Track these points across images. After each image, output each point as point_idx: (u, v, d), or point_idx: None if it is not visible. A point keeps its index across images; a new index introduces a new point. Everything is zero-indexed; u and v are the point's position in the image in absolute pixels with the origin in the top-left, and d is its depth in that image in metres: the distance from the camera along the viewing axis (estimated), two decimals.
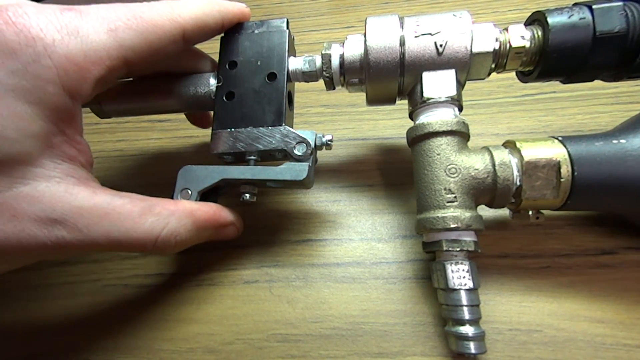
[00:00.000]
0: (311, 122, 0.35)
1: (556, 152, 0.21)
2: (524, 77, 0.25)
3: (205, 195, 0.24)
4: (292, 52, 0.27)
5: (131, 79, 0.27)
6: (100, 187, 0.20)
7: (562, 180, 0.21)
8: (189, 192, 0.23)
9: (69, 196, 0.18)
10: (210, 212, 0.23)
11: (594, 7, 0.21)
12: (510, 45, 0.22)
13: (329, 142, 0.24)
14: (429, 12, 0.24)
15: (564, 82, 0.24)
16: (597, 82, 0.24)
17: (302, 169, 0.23)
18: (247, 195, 0.24)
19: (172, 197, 0.23)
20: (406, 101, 0.26)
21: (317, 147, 0.24)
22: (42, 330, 0.26)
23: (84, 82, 0.18)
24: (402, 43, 0.23)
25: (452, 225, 0.21)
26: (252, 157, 0.24)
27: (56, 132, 0.18)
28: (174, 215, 0.21)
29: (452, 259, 0.21)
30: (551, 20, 0.22)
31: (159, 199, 0.21)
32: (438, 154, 0.22)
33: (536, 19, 0.23)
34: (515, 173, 0.21)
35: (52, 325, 0.26)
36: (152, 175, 0.33)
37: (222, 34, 0.27)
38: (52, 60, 0.17)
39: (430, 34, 0.22)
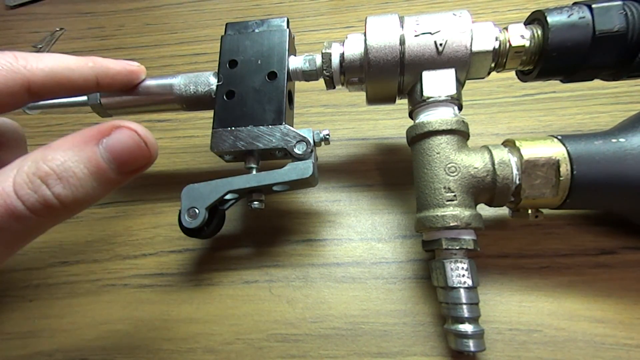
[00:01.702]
0: (311, 122, 0.35)
1: (555, 151, 0.21)
2: (523, 76, 0.25)
3: (213, 210, 0.24)
4: (293, 51, 0.27)
5: None
6: None
7: (561, 179, 0.21)
8: (197, 210, 0.23)
9: None
10: (74, 133, 0.16)
11: (593, 6, 0.21)
12: (510, 45, 0.22)
13: (327, 137, 0.24)
14: (429, 11, 0.24)
15: (563, 82, 0.24)
16: (597, 82, 0.24)
17: (306, 167, 0.23)
18: (256, 203, 0.24)
19: (179, 219, 0.23)
20: (406, 101, 0.26)
21: (316, 144, 0.24)
22: (42, 330, 0.26)
23: None
24: (402, 42, 0.23)
25: (452, 224, 0.21)
26: (253, 166, 0.24)
27: None
28: (25, 159, 0.15)
29: (451, 258, 0.21)
30: (551, 19, 0.22)
31: None
32: (438, 153, 0.22)
33: (536, 18, 0.23)
34: (515, 172, 0.21)
35: (52, 325, 0.26)
36: (152, 175, 0.33)
37: (223, 34, 0.26)
38: None
39: (430, 33, 0.22)
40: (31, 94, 0.20)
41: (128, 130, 0.16)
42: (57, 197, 0.14)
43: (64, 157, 0.15)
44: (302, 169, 0.23)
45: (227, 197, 0.24)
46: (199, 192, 0.23)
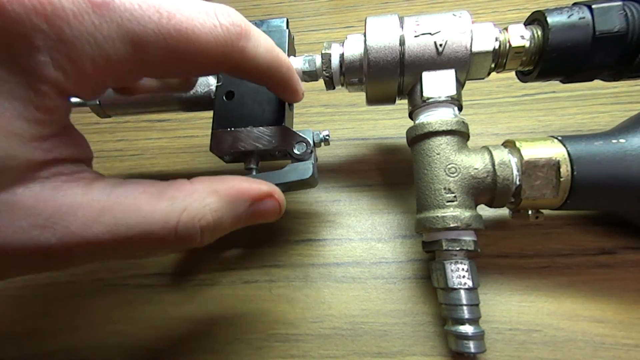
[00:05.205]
0: (311, 121, 0.35)
1: (556, 151, 0.21)
2: (523, 76, 0.25)
3: None
4: (292, 52, 0.27)
5: None
6: (100, 177, 0.17)
7: (561, 179, 0.21)
8: None
9: (56, 195, 0.15)
10: (238, 184, 0.19)
11: (593, 6, 0.21)
12: (510, 45, 0.22)
13: (327, 137, 0.24)
14: (429, 11, 0.24)
15: (563, 82, 0.24)
16: (597, 82, 0.24)
17: (306, 168, 0.23)
18: None
19: None
20: (406, 101, 0.26)
21: (316, 144, 0.24)
22: (42, 329, 0.26)
23: (84, 87, 0.15)
24: (402, 43, 0.23)
25: (452, 225, 0.21)
26: (253, 167, 0.24)
27: (39, 130, 0.15)
28: (192, 195, 0.17)
29: (451, 259, 0.21)
30: (551, 20, 0.22)
31: (171, 181, 0.17)
32: (438, 154, 0.22)
33: (536, 19, 0.23)
34: (515, 172, 0.21)
35: (52, 325, 0.26)
36: (152, 175, 0.33)
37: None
38: (50, 57, 0.14)
39: (430, 33, 0.22)
40: (234, 71, 0.19)
41: (276, 203, 0.20)
42: (202, 234, 0.17)
43: (220, 207, 0.18)
44: (301, 170, 0.23)
45: None
46: None
